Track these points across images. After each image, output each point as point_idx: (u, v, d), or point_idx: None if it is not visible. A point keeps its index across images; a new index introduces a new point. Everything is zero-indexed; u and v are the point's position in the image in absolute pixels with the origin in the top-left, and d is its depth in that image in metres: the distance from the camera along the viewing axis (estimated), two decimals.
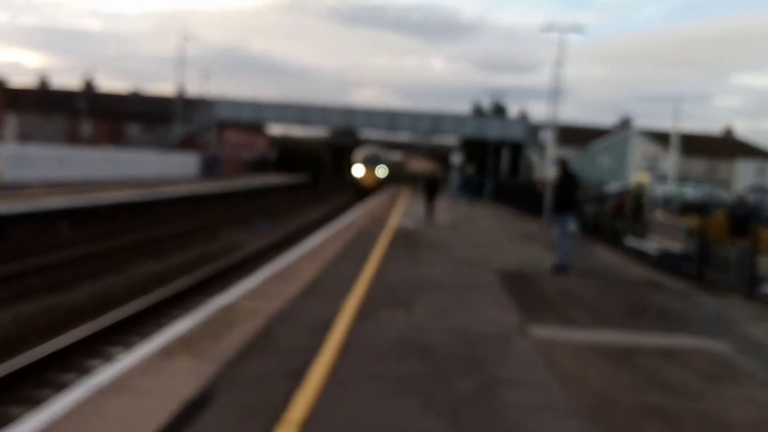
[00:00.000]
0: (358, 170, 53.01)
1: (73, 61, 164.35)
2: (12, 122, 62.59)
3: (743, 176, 61.28)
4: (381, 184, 52.17)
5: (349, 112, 52.48)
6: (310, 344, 6.60)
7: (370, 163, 53.13)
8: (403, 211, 27.35)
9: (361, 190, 49.29)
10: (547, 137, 29.92)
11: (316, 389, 5.34)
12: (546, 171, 29.17)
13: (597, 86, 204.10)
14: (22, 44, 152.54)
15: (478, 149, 53.45)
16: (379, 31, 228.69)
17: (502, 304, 9.42)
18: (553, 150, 30.25)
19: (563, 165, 13.83)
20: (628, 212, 20.83)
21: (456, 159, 50.10)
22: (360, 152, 55.99)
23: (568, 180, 13.62)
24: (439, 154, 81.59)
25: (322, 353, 6.30)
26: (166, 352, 6.06)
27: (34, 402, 7.03)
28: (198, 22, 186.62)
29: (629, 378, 6.32)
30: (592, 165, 60.10)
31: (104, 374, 5.36)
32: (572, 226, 13.46)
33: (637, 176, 26.76)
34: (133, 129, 62.08)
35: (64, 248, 17.12)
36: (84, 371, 8.08)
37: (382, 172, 53.33)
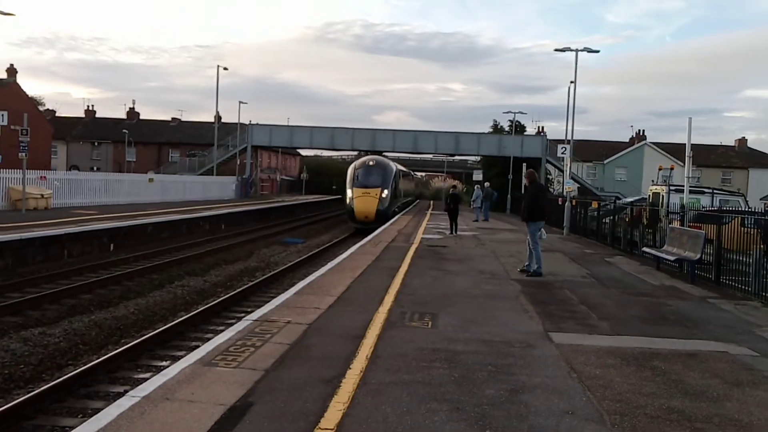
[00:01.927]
0: (351, 193, 32.92)
1: (116, 93, 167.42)
2: (61, 151, 63.88)
3: (758, 185, 60.16)
4: (389, 212, 33.31)
5: (375, 134, 52.59)
6: (342, 353, 6.59)
7: (369, 181, 33.05)
8: (428, 225, 27.30)
9: (358, 223, 31.61)
10: (565, 153, 29.64)
11: (349, 396, 5.31)
12: (565, 185, 28.93)
13: (611, 104, 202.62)
14: (68, 79, 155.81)
15: (498, 166, 53.13)
16: (400, 58, 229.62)
17: (526, 313, 9.32)
18: (570, 165, 30.01)
19: (532, 177, 13.95)
20: (645, 222, 20.54)
21: (477, 176, 49.86)
22: (355, 166, 35.21)
23: (536, 191, 13.79)
24: (461, 172, 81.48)
25: (355, 362, 6.28)
26: (208, 363, 6.08)
27: (83, 412, 7.10)
28: (232, 54, 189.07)
29: (652, 383, 6.20)
30: (608, 178, 59.57)
31: (150, 383, 5.39)
32: (543, 233, 13.67)
33: (653, 188, 26.40)
34: (175, 155, 62.94)
35: (110, 267, 17.34)
36: (131, 381, 8.14)
37: (389, 194, 33.38)
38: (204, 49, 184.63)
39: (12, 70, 46.51)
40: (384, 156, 44.34)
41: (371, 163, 34.82)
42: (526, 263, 13.45)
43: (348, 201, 32.82)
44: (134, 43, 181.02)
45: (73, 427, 4.65)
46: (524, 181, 14.26)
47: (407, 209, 45.76)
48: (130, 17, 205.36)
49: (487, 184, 37.30)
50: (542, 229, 13.54)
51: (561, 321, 8.87)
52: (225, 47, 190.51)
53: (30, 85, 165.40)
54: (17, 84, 46.30)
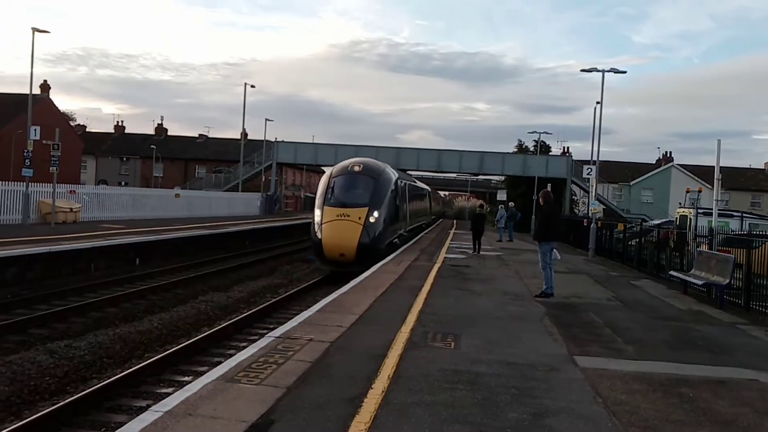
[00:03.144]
0: (320, 214, 20.45)
1: (145, 109, 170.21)
2: (90, 166, 64.96)
3: None
4: (381, 245, 20.52)
5: (399, 152, 52.73)
6: (364, 372, 6.55)
7: (350, 197, 20.76)
8: (451, 245, 27.20)
9: (328, 264, 19.99)
10: (590, 174, 29.44)
11: (371, 416, 5.27)
12: (590, 207, 28.70)
13: (637, 125, 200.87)
14: (99, 95, 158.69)
15: (523, 186, 52.84)
16: (425, 77, 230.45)
17: (550, 336, 9.21)
18: (595, 186, 29.78)
19: (546, 197, 13.65)
20: (672, 245, 20.27)
21: (501, 196, 49.61)
22: (332, 173, 22.20)
23: (550, 211, 13.45)
24: (485, 191, 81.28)
25: (377, 382, 6.24)
26: (231, 379, 6.08)
27: (106, 426, 7.13)
28: (259, 71, 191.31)
29: (680, 410, 6.07)
30: (634, 200, 58.99)
31: (173, 399, 5.40)
32: (556, 254, 13.29)
33: (680, 210, 26.07)
34: (201, 171, 63.63)
35: (136, 281, 17.51)
36: (154, 396, 8.17)
37: (382, 217, 20.63)
38: (232, 66, 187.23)
39: (45, 86, 47.55)
40: (402, 170, 36.09)
41: (356, 168, 21.12)
42: (544, 287, 13.11)
43: (315, 228, 19.82)
44: (164, 60, 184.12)
45: None
46: (540, 200, 14.00)
47: (418, 237, 31.20)
48: (160, 35, 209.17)
49: (511, 204, 37.10)
50: (554, 250, 13.25)
51: (586, 344, 8.75)
52: (252, 65, 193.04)
53: (62, 100, 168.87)
54: (50, 99, 47.29)
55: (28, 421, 6.99)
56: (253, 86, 50.49)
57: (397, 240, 23.61)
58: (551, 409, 5.78)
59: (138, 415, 5.13)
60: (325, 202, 20.23)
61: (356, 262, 18.66)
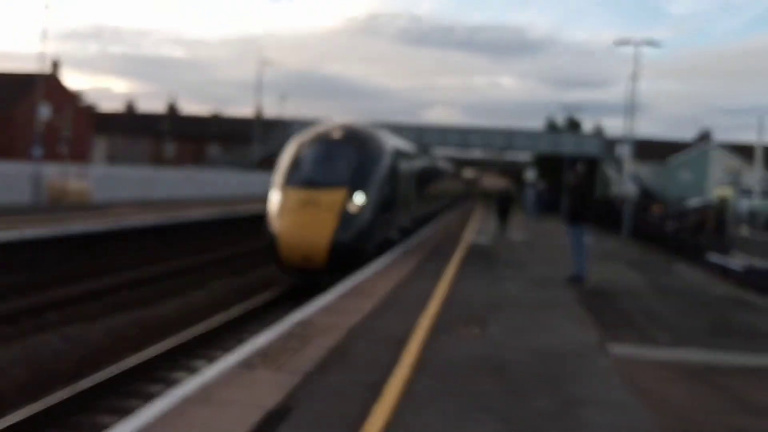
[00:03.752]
0: (279, 199, 14.56)
1: (157, 86, 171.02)
2: (101, 145, 65.65)
3: None
4: (370, 244, 14.79)
5: (422, 131, 52.56)
6: (385, 359, 6.62)
7: (323, 174, 14.89)
8: (477, 228, 27.16)
9: (289, 270, 14.41)
10: (624, 152, 29.19)
11: (393, 404, 5.34)
12: (624, 187, 28.49)
13: (674, 100, 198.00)
14: (110, 72, 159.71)
15: (552, 165, 52.42)
16: (448, 51, 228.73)
17: (580, 322, 9.21)
18: (630, 165, 29.52)
19: (577, 176, 13.44)
20: (710, 228, 20.08)
21: (530, 175, 49.28)
22: (301, 141, 15.87)
23: (582, 191, 13.22)
24: (513, 171, 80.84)
25: (398, 368, 6.31)
26: (248, 365, 6.19)
27: (122, 411, 7.29)
28: (274, 47, 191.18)
29: (715, 399, 6.07)
30: (671, 180, 58.35)
31: (189, 385, 5.52)
32: (588, 237, 13.12)
33: (720, 191, 25.77)
34: (214, 150, 64.03)
35: (150, 264, 17.75)
36: (170, 381, 8.33)
37: (372, 202, 14.72)
38: (246, 42, 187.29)
39: (56, 64, 48.00)
40: (423, 145, 32.82)
41: (335, 134, 15.95)
42: (575, 271, 13.03)
43: (271, 218, 14.55)
44: (176, 36, 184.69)
45: (112, 426, 4.80)
46: (570, 180, 13.84)
47: (433, 227, 26.14)
48: (172, 10, 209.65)
49: (540, 184, 36.91)
50: (588, 233, 13.13)
51: (618, 331, 8.74)
52: (267, 40, 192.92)
53: (72, 78, 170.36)
54: (60, 78, 47.74)
55: (45, 405, 7.18)
56: (267, 63, 50.28)
57: (397, 234, 17.79)
58: (581, 398, 5.82)
59: (154, 400, 5.24)
60: (287, 181, 14.65)
61: (328, 270, 13.55)
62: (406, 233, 19.47)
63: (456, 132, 53.45)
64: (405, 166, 19.12)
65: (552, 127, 59.33)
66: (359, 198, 14.27)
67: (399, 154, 18.01)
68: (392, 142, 17.97)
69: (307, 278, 14.13)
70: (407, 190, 19.48)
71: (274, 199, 14.59)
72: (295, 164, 15.06)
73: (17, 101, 43.02)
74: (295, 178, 14.67)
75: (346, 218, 13.95)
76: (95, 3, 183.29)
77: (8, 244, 14.66)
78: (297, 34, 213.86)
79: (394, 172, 16.55)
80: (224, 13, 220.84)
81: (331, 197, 14.09)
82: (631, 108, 29.50)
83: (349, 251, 13.89)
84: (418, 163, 23.98)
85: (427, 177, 26.76)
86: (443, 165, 39.32)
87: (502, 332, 8.24)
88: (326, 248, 13.49)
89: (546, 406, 5.56)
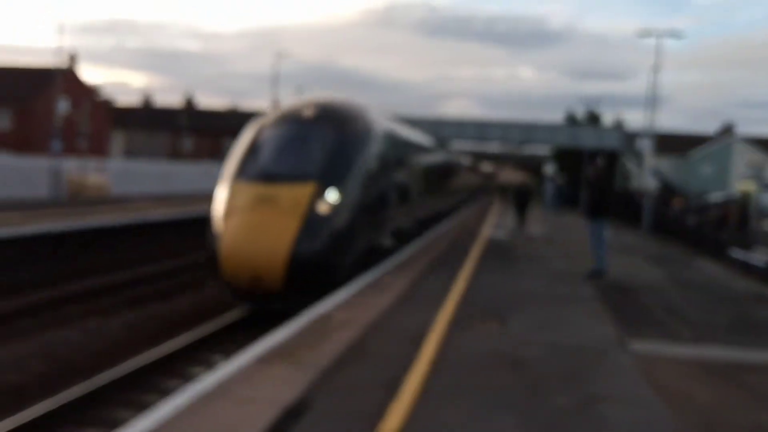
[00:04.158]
0: (226, 198, 11.17)
1: (174, 80, 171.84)
2: (118, 139, 66.15)
3: None
4: (346, 259, 11.23)
5: (439, 124, 52.39)
6: (403, 355, 6.61)
7: (285, 163, 11.44)
8: (495, 222, 27.07)
9: (236, 293, 10.91)
10: (645, 146, 28.91)
11: (411, 400, 5.33)
12: (645, 181, 28.25)
13: (696, 93, 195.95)
14: (127, 66, 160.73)
15: (572, 159, 52.07)
16: (465, 42, 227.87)
17: (600, 318, 9.15)
18: (651, 159, 29.25)
19: (596, 170, 13.34)
20: (732, 222, 19.86)
21: (549, 169, 48.95)
22: (262, 123, 12.42)
23: (601, 185, 13.15)
24: (531, 165, 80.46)
25: (416, 364, 6.30)
26: (266, 361, 6.21)
27: (140, 406, 7.35)
28: (290, 39, 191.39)
29: (737, 396, 6.01)
30: (692, 174, 57.81)
31: (207, 381, 5.54)
32: (607, 231, 13.01)
33: (742, 185, 25.46)
34: (231, 144, 64.27)
35: (169, 257, 17.87)
36: (188, 376, 8.39)
37: (352, 201, 11.34)
38: (262, 35, 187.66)
39: (73, 58, 48.39)
40: (440, 138, 30.36)
41: (306, 114, 12.37)
42: (595, 266, 12.96)
43: (214, 223, 11.26)
44: (192, 29, 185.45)
45: (130, 420, 4.83)
46: (590, 173, 13.78)
47: (443, 227, 22.98)
48: (188, 3, 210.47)
49: (559, 178, 36.71)
50: (607, 227, 13.03)
51: (639, 327, 8.67)
52: (283, 33, 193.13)
53: (89, 72, 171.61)
54: (77, 72, 48.11)
55: (63, 399, 7.26)
56: (284, 55, 50.34)
57: (391, 241, 14.29)
58: (601, 395, 5.78)
59: (172, 395, 5.27)
60: (239, 173, 11.40)
61: (286, 294, 10.36)
62: (406, 237, 16.01)
63: (474, 125, 53.17)
64: (404, 155, 15.88)
65: (571, 121, 58.95)
66: (332, 195, 10.75)
67: (394, 140, 14.64)
68: (385, 124, 14.06)
69: (259, 304, 10.80)
70: (407, 185, 16.21)
71: (220, 197, 11.16)
72: (252, 152, 11.63)
73: (35, 96, 43.44)
74: (249, 170, 11.24)
75: (312, 222, 10.47)
76: None
77: (31, 237, 14.82)
78: (313, 26, 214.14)
79: (385, 162, 13.24)
80: (240, 6, 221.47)
81: (293, 194, 10.64)
82: (652, 100, 29.22)
83: (316, 267, 10.37)
84: (426, 154, 20.85)
85: (438, 170, 24.08)
86: (457, 158, 36.04)
87: (521, 328, 8.20)
88: (283, 263, 10.03)
89: (566, 403, 5.52)
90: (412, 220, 16.81)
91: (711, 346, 7.88)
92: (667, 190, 44.14)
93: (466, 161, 45.60)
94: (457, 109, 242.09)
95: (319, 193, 10.77)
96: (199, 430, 4.58)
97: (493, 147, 70.58)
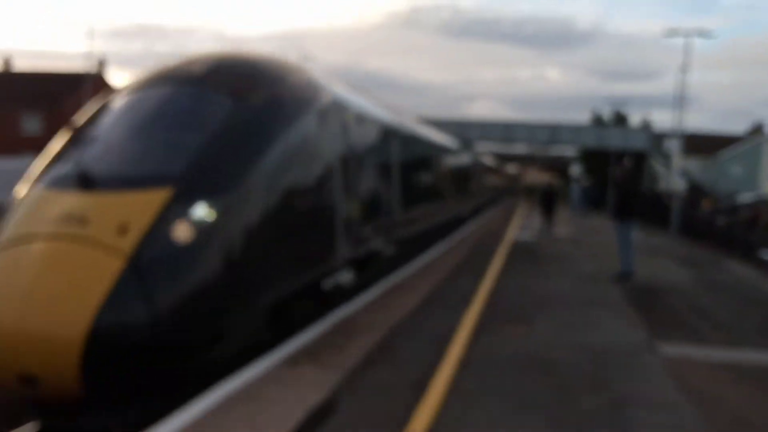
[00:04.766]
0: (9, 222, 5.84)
1: None
2: None
3: None
4: (217, 329, 5.79)
5: (464, 125, 52.20)
6: (430, 356, 6.60)
7: (123, 159, 6.21)
8: (520, 224, 26.93)
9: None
10: (673, 146, 28.58)
11: (438, 401, 5.32)
12: (673, 182, 27.93)
13: (725, 92, 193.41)
14: None
15: (598, 160, 51.61)
16: (491, 44, 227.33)
17: (629, 320, 9.05)
18: (679, 159, 28.91)
19: (623, 170, 13.26)
20: (763, 223, 19.54)
21: (575, 170, 48.58)
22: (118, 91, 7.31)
23: (628, 186, 13.09)
24: (558, 166, 79.96)
25: (443, 366, 6.28)
26: (293, 362, 6.23)
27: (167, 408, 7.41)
28: (316, 43, 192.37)
29: None
30: (721, 174, 56.97)
31: (234, 383, 5.57)
32: (634, 233, 12.90)
33: None
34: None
35: None
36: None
37: (216, 212, 5.82)
38: (288, 38, 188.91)
39: (102, 63, 49.06)
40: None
41: (190, 73, 7.17)
42: (623, 268, 12.83)
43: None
44: (219, 33, 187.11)
45: (158, 422, 4.87)
46: (617, 174, 13.70)
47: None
48: (216, 8, 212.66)
49: (585, 180, 36.44)
50: (635, 229, 12.93)
51: (668, 330, 8.56)
52: (309, 36, 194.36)
53: (119, 76, 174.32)
54: (107, 76, 48.78)
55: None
56: (309, 59, 50.49)
57: (349, 278, 9.08)
58: (630, 398, 5.71)
59: (199, 397, 5.31)
60: (46, 173, 6.40)
61: (92, 400, 5.27)
62: (386, 264, 11.22)
63: (499, 126, 52.90)
64: (379, 143, 11.14)
65: (598, 121, 58.47)
66: (203, 210, 5.89)
67: (359, 120, 9.74)
68: (339, 93, 9.13)
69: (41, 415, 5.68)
70: (387, 189, 11.42)
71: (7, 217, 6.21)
72: (83, 137, 6.79)
73: (65, 100, 44.14)
74: (60, 169, 6.30)
75: (152, 261, 5.53)
76: (140, 2, 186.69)
77: None
78: (339, 29, 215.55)
79: (347, 154, 8.81)
80: (266, 10, 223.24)
81: (122, 209, 5.72)
82: (680, 100, 28.88)
83: (152, 350, 5.34)
84: (430, 150, 17.10)
85: (450, 171, 20.34)
86: (478, 159, 31.55)
87: (548, 330, 8.14)
88: (77, 349, 5.09)
89: (595, 406, 5.47)
90: (396, 239, 11.71)
91: (742, 349, 7.76)
92: (696, 191, 43.55)
93: (489, 162, 42.64)
94: (482, 110, 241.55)
95: (179, 207, 5.79)
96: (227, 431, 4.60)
97: (519, 148, 70.27)
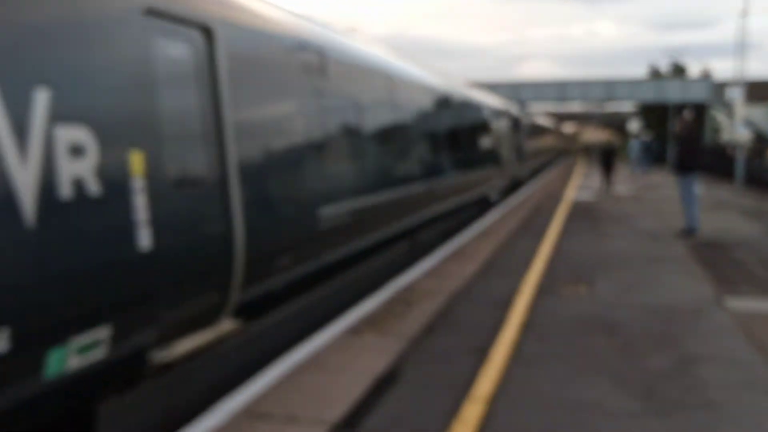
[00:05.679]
0: None
1: None
2: None
3: None
4: None
5: (517, 87, 51.24)
6: (490, 321, 6.57)
7: None
8: (579, 183, 26.43)
9: None
10: (735, 95, 27.45)
11: (501, 366, 5.30)
12: (736, 133, 26.90)
13: None
14: None
15: (657, 114, 50.05)
16: (540, 2, 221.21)
17: (694, 277, 8.81)
18: (742, 109, 27.78)
19: (684, 123, 12.74)
20: None
21: (634, 126, 47.23)
22: None
23: (690, 138, 12.59)
24: (615, 123, 77.99)
25: (504, 330, 6.25)
26: (355, 331, 6.30)
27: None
28: (359, 13, 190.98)
29: None
30: None
31: (301, 352, 5.67)
32: (697, 187, 12.47)
33: None
34: None
35: None
36: None
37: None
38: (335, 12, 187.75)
39: None
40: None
41: None
42: (686, 223, 12.51)
43: None
44: None
45: (227, 395, 5.00)
46: (677, 127, 13.22)
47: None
48: None
49: (645, 135, 35.43)
50: (698, 183, 12.54)
51: (735, 284, 8.30)
52: (355, 9, 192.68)
53: None
54: None
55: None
56: (353, 30, 50.15)
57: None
58: (698, 356, 5.58)
59: (268, 367, 5.42)
60: None
61: None
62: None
63: (553, 86, 51.72)
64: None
65: (655, 74, 56.58)
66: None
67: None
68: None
69: None
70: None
71: None
72: None
73: None
74: None
75: None
76: None
77: None
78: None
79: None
80: None
81: None
82: (741, 47, 27.64)
83: None
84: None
85: (489, 130, 17.24)
86: (529, 118, 29.95)
87: (611, 290, 8.00)
88: None
89: (662, 365, 5.36)
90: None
91: None
92: (762, 141, 41.84)
93: (546, 123, 42.41)
94: (534, 70, 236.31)
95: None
96: (294, 400, 4.69)
97: (574, 107, 68.66)
